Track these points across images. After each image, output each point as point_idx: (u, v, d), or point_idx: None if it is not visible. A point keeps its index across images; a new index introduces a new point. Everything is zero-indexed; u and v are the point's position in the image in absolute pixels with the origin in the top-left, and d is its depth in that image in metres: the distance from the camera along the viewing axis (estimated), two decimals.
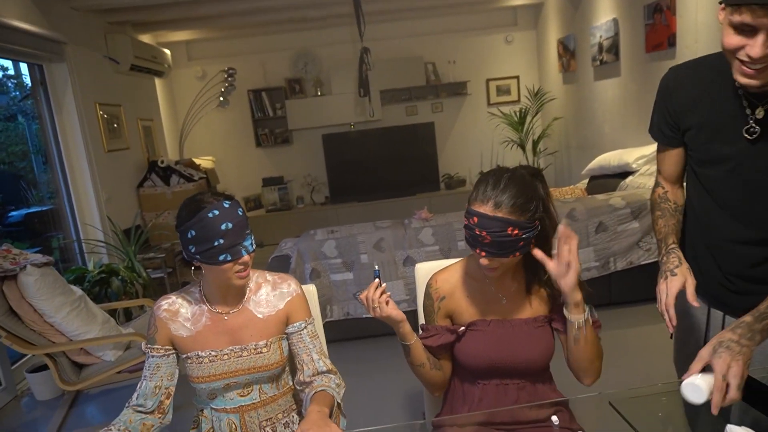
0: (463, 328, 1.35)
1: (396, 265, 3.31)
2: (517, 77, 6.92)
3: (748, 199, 1.21)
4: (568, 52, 5.85)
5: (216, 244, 1.26)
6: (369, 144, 6.70)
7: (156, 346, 1.38)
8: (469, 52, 6.82)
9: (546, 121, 6.51)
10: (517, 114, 6.37)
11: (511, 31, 6.85)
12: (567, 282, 1.19)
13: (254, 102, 6.67)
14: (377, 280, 1.29)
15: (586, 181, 4.67)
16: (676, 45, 4.07)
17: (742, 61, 1.03)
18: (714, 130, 1.22)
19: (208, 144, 6.72)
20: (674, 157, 1.37)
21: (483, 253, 1.22)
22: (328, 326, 3.31)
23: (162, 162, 5.20)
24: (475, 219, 1.19)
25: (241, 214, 1.30)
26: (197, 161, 5.87)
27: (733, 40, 1.02)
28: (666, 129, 1.34)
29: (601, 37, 5.14)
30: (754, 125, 1.13)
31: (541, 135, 6.42)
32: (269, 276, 1.48)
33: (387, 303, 1.27)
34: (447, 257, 3.31)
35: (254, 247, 1.34)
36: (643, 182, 4.07)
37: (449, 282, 1.39)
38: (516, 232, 1.18)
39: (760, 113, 1.12)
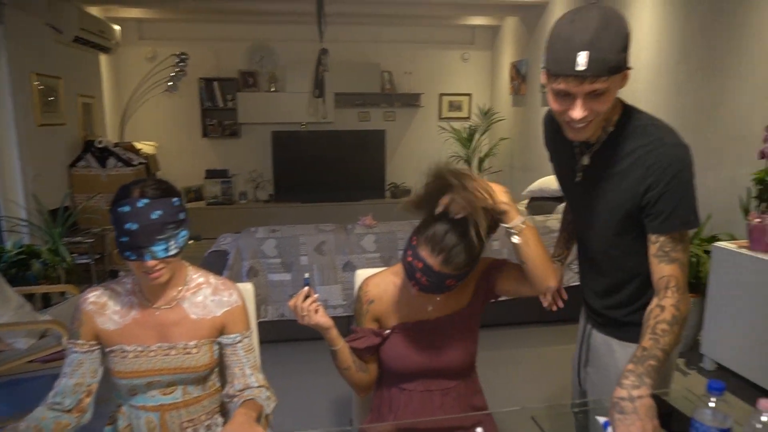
0: (388, 331, 1.38)
1: (335, 270, 3.29)
2: (470, 95, 7.09)
3: (584, 232, 1.39)
4: (519, 75, 6.05)
5: (122, 239, 1.21)
6: (319, 145, 6.66)
7: (79, 341, 1.30)
8: (425, 65, 6.93)
9: (493, 141, 6.70)
10: (467, 131, 6.53)
11: (468, 49, 7.02)
12: (496, 204, 1.20)
13: (205, 91, 6.48)
14: (307, 288, 1.29)
15: (527, 201, 4.84)
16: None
17: (568, 122, 1.16)
18: (558, 169, 1.43)
19: (151, 129, 6.46)
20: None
21: (416, 287, 1.26)
22: (261, 326, 3.24)
23: (100, 142, 4.95)
24: (420, 264, 1.22)
25: (155, 217, 1.20)
26: (138, 145, 5.64)
27: (557, 105, 1.15)
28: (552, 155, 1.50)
29: None
30: (578, 172, 1.30)
31: (488, 153, 6.60)
32: (213, 279, 1.42)
33: (316, 311, 1.28)
34: (388, 265, 3.32)
35: (171, 252, 1.24)
36: None
37: (379, 286, 1.41)
38: (453, 282, 1.25)
39: (585, 160, 1.28)
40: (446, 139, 6.69)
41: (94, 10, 5.39)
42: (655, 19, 3.84)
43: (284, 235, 3.27)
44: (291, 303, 1.29)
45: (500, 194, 1.22)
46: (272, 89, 6.60)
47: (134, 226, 1.19)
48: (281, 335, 3.34)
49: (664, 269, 1.17)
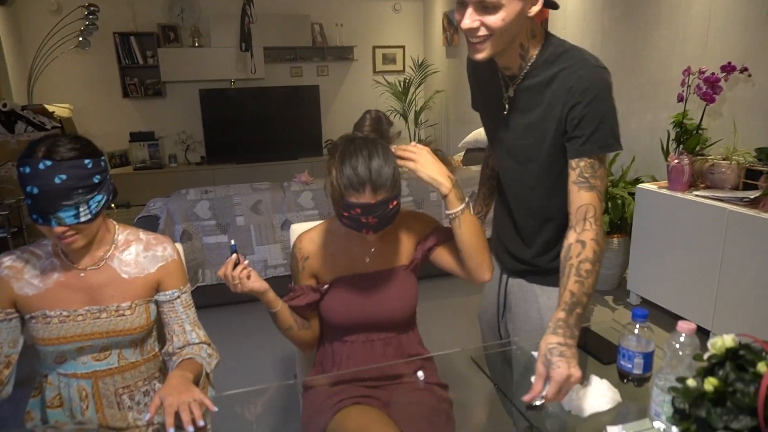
0: (326, 285, 1.36)
1: (273, 229, 3.22)
2: (403, 47, 6.98)
3: (509, 171, 1.39)
4: (452, 26, 6.00)
5: (26, 201, 1.12)
6: (250, 103, 6.40)
7: None
8: (357, 17, 6.73)
9: (428, 93, 6.68)
10: (402, 84, 6.46)
11: (400, 0, 6.87)
12: (422, 174, 1.21)
13: (121, 47, 6.01)
14: (235, 255, 1.24)
15: (463, 153, 4.89)
16: (547, 28, 4.35)
17: (466, 36, 1.15)
18: (485, 109, 1.42)
19: (64, 90, 5.95)
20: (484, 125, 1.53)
21: (371, 232, 1.22)
22: (199, 291, 3.16)
23: (4, 105, 4.52)
24: (358, 210, 1.17)
25: (58, 182, 1.10)
26: (50, 108, 5.19)
27: (458, 15, 1.13)
28: (477, 103, 1.49)
29: None
30: (505, 104, 1.30)
31: (423, 106, 6.58)
32: (143, 235, 1.34)
33: (248, 277, 1.23)
34: None
35: (82, 219, 1.14)
36: None
37: (314, 242, 1.38)
38: (395, 202, 1.21)
39: (510, 92, 1.27)
40: (381, 93, 6.60)
41: None
42: None
43: (217, 196, 3.15)
44: (220, 272, 1.23)
45: (439, 174, 1.22)
46: (196, 44, 6.22)
47: (35, 190, 1.09)
48: (220, 299, 3.27)
49: (583, 197, 1.18)
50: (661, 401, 1.02)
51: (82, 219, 1.14)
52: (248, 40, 5.09)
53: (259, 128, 6.45)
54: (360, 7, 6.72)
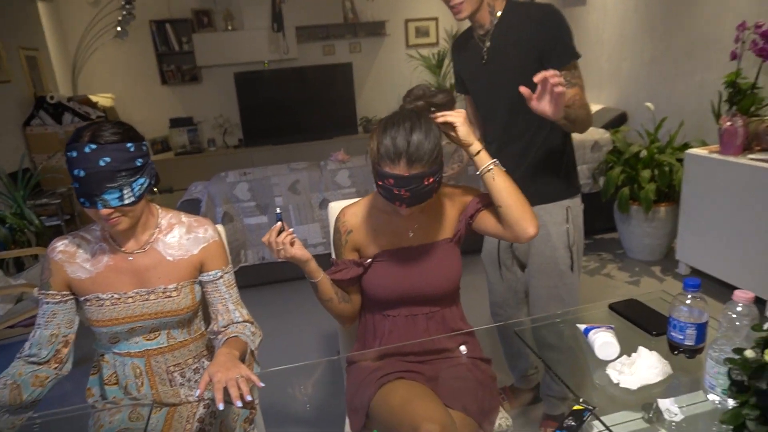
0: (369, 260, 1.36)
1: (312, 208, 3.25)
2: (436, 19, 6.83)
3: (494, 113, 1.66)
4: None
5: (74, 185, 1.16)
6: (284, 84, 6.42)
7: (51, 292, 1.26)
8: None
9: None
10: (436, 57, 6.34)
11: None
12: (460, 130, 1.24)
13: (157, 34, 6.11)
14: (279, 223, 1.26)
15: None
16: None
17: (448, 5, 1.50)
18: (467, 71, 1.72)
19: (106, 80, 6.12)
20: (471, 100, 1.80)
21: (404, 206, 1.22)
22: (242, 271, 3.24)
23: (52, 98, 4.68)
24: (391, 181, 1.17)
25: (103, 165, 1.14)
26: (94, 98, 5.36)
27: None
28: (460, 83, 1.80)
29: None
30: (484, 54, 1.60)
31: None
32: (185, 218, 1.37)
33: (292, 244, 1.25)
34: None
35: (126, 201, 1.18)
36: None
37: (357, 215, 1.38)
38: (431, 180, 1.19)
39: (487, 44, 1.59)
40: (415, 68, 6.50)
41: None
42: None
43: (256, 177, 3.20)
44: (264, 239, 1.26)
45: (467, 134, 1.25)
46: (229, 28, 6.26)
47: (81, 173, 1.14)
48: (263, 278, 3.34)
49: (569, 92, 1.45)
50: (715, 373, 0.98)
51: (126, 201, 1.18)
52: (280, 20, 5.08)
53: (294, 108, 6.48)
54: None
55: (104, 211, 1.17)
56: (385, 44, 6.82)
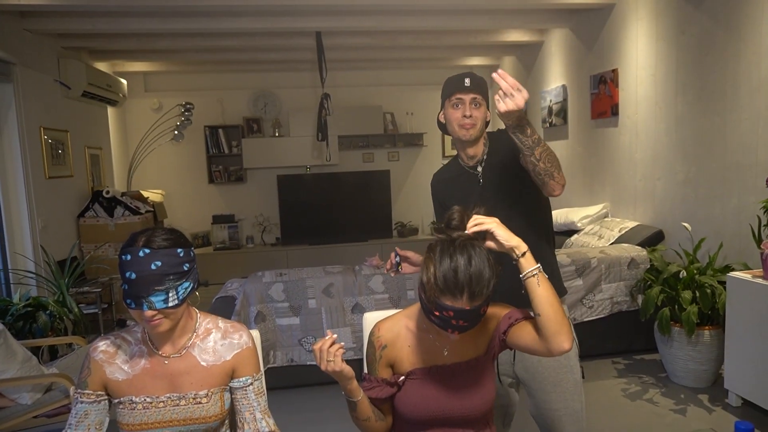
0: (402, 377, 1.33)
1: (344, 312, 3.25)
2: None
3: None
4: None
5: (123, 287, 1.21)
6: (324, 187, 6.71)
7: (87, 391, 1.27)
8: (426, 105, 7.04)
9: None
10: None
11: None
12: (500, 234, 1.25)
13: (210, 138, 6.59)
14: (334, 335, 1.25)
15: None
16: (618, 114, 4.34)
17: (460, 125, 1.70)
18: (461, 195, 1.78)
19: (158, 177, 6.54)
20: None
21: (456, 333, 1.23)
22: (270, 372, 3.19)
23: (107, 192, 5.00)
24: (451, 313, 1.18)
25: (154, 268, 1.20)
26: (145, 194, 5.69)
27: (453, 113, 1.72)
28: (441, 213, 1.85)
29: (551, 101, 5.43)
30: (479, 177, 1.78)
31: None
32: (221, 323, 1.40)
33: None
34: (397, 306, 3.29)
35: (171, 304, 1.23)
36: (587, 241, 4.23)
37: (392, 330, 1.37)
38: (485, 308, 1.22)
39: (480, 169, 1.77)
40: None
41: (101, 66, 5.56)
42: (648, 53, 3.91)
43: (291, 279, 3.25)
44: (316, 347, 1.24)
45: (508, 236, 1.26)
46: (276, 134, 6.70)
47: (133, 276, 1.19)
48: (291, 381, 3.27)
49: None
50: None
51: (170, 304, 1.22)
52: (324, 131, 5.43)
53: (332, 211, 6.70)
54: (429, 97, 7.05)
55: (148, 313, 1.21)
56: (422, 153, 7.13)
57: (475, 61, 6.65)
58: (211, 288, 5.98)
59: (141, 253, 1.20)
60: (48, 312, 3.50)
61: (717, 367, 3.07)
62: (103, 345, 1.31)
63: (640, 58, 4.02)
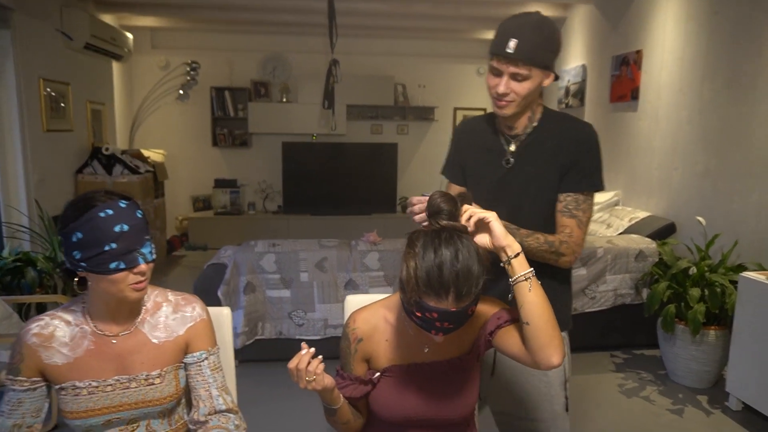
0: (377, 374, 1.22)
1: (337, 288, 3.15)
2: (485, 109, 6.95)
3: (511, 216, 1.41)
4: None
5: (107, 248, 1.07)
6: (329, 157, 6.56)
7: (20, 378, 1.14)
8: (439, 79, 6.82)
9: None
10: None
11: (483, 63, 6.89)
12: (496, 229, 1.11)
13: (216, 100, 6.44)
14: (312, 349, 1.11)
15: None
16: (638, 98, 4.14)
17: (495, 97, 1.41)
18: (480, 169, 1.54)
19: (161, 137, 6.42)
20: (456, 190, 1.61)
21: (440, 334, 1.09)
22: (258, 344, 3.12)
23: (106, 149, 4.89)
24: (435, 314, 1.03)
25: (140, 216, 1.13)
26: (146, 153, 5.58)
27: (491, 80, 1.42)
28: (455, 170, 1.63)
29: (569, 81, 5.21)
30: (509, 158, 1.48)
31: None
32: (171, 296, 1.28)
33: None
34: (392, 284, 3.19)
35: (154, 256, 1.16)
36: (595, 229, 4.08)
37: (369, 322, 1.24)
38: (473, 308, 1.08)
39: (512, 147, 1.48)
40: None
41: (106, 18, 5.38)
42: (678, 35, 3.68)
43: (284, 250, 3.15)
44: (292, 365, 1.09)
45: (503, 234, 1.11)
46: (284, 100, 6.54)
47: (125, 227, 1.09)
48: (279, 354, 3.19)
49: (565, 221, 1.41)
50: None
51: (154, 255, 1.16)
52: (331, 99, 5.25)
53: (336, 182, 6.57)
54: (443, 69, 6.82)
55: (143, 267, 1.13)
56: (432, 129, 6.95)
57: (491, 35, 6.38)
58: (208, 252, 5.93)
59: (122, 204, 1.11)
60: (38, 268, 3.43)
61: (720, 368, 2.96)
62: (35, 327, 1.16)
63: (668, 40, 3.79)
